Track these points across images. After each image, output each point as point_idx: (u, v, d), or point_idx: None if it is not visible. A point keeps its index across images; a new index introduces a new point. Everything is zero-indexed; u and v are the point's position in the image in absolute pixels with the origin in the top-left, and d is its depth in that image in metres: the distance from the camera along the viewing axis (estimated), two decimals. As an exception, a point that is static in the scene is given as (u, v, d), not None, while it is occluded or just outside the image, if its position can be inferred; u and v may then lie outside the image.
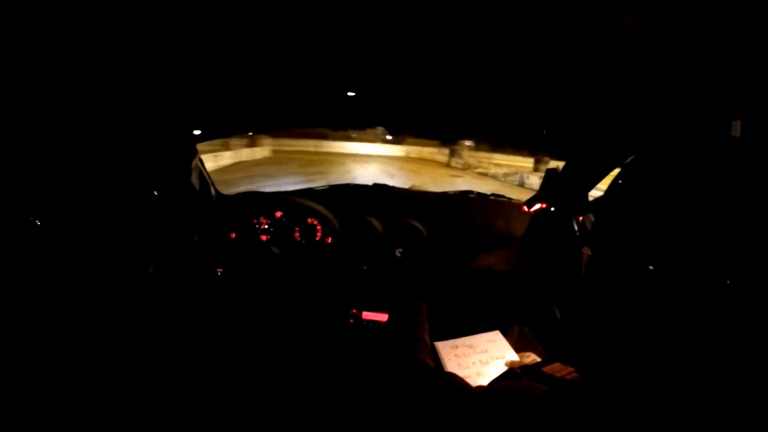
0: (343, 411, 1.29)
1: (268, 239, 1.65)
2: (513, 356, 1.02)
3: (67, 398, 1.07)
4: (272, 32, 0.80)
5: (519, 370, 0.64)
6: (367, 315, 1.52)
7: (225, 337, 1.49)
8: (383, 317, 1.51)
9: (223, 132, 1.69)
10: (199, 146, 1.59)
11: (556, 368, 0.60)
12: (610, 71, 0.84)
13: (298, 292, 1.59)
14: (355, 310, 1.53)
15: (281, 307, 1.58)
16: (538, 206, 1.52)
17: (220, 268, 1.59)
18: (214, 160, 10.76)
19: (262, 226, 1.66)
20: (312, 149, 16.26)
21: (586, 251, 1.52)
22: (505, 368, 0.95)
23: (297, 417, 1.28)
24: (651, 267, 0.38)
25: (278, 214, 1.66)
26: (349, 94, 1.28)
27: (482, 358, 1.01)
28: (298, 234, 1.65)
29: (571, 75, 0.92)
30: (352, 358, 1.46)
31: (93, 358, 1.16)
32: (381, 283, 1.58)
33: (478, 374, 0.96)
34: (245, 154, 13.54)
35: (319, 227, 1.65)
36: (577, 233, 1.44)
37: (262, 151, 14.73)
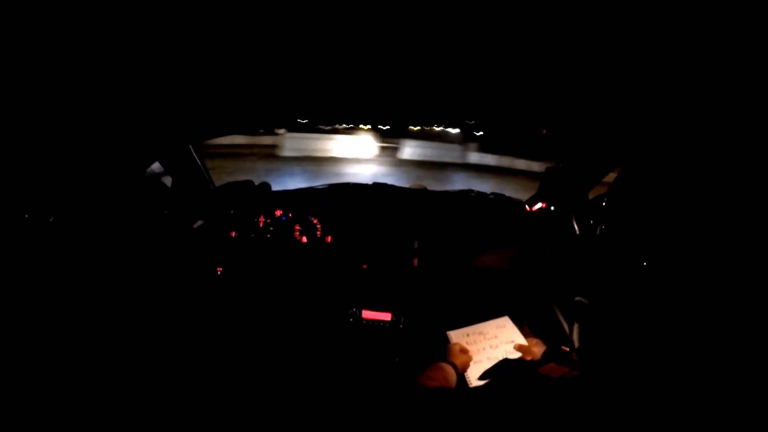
0: (342, 411, 1.29)
1: (268, 238, 1.65)
2: (521, 340, 1.06)
3: (67, 398, 1.07)
4: (269, 32, 0.80)
5: (517, 369, 0.66)
6: (367, 314, 1.52)
7: (225, 336, 1.49)
8: (384, 316, 1.51)
9: (218, 131, 1.67)
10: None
11: (551, 368, 0.62)
12: (609, 72, 0.84)
13: (298, 291, 1.59)
14: (354, 309, 1.53)
15: (281, 307, 1.57)
16: (539, 205, 1.53)
17: (220, 267, 1.59)
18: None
19: (262, 225, 1.65)
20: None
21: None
22: (514, 352, 1.00)
23: (297, 417, 1.28)
24: (647, 263, 0.38)
25: (278, 212, 1.66)
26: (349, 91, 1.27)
27: (492, 344, 1.07)
28: (297, 232, 1.65)
29: (571, 75, 0.92)
30: (352, 358, 1.46)
31: (92, 358, 1.16)
32: (381, 282, 1.58)
33: (488, 358, 1.02)
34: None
35: (319, 226, 1.65)
36: (577, 232, 1.44)
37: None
